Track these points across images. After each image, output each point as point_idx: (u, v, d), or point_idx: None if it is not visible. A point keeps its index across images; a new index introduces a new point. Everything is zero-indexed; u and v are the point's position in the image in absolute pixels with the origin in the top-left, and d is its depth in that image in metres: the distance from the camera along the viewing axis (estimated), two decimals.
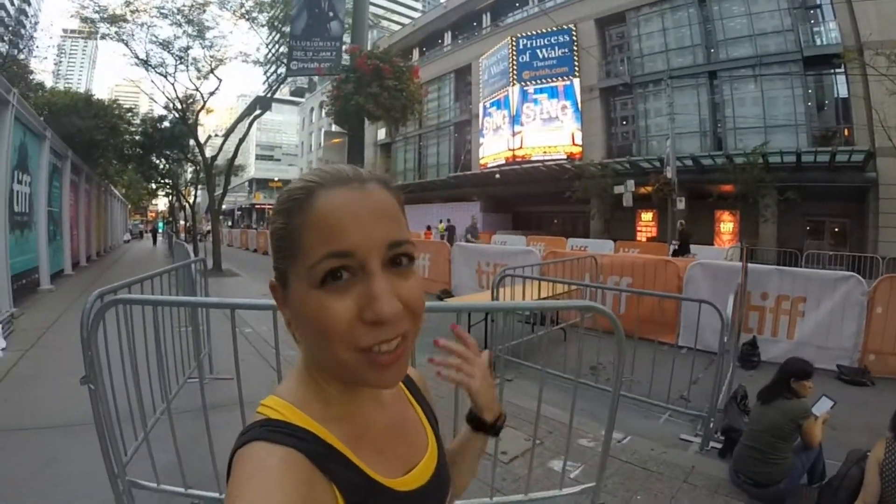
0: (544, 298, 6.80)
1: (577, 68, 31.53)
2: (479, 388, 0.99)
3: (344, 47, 8.64)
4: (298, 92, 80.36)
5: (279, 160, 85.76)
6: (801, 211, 22.67)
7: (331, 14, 8.59)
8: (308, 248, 0.64)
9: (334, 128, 9.89)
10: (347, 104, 7.27)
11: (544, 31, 32.20)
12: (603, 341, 4.96)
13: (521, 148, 33.47)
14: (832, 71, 22.94)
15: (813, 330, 6.71)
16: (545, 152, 32.31)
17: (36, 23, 26.51)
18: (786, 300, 6.96)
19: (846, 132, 22.69)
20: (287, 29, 16.96)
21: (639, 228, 29.29)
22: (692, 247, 17.28)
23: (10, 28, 22.42)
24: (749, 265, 6.01)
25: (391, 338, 0.64)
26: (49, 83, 27.28)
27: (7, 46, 20.73)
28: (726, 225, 26.74)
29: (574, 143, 31.46)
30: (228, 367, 3.03)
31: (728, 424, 4.14)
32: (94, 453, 2.87)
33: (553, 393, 4.67)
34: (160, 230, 45.02)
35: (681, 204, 22.07)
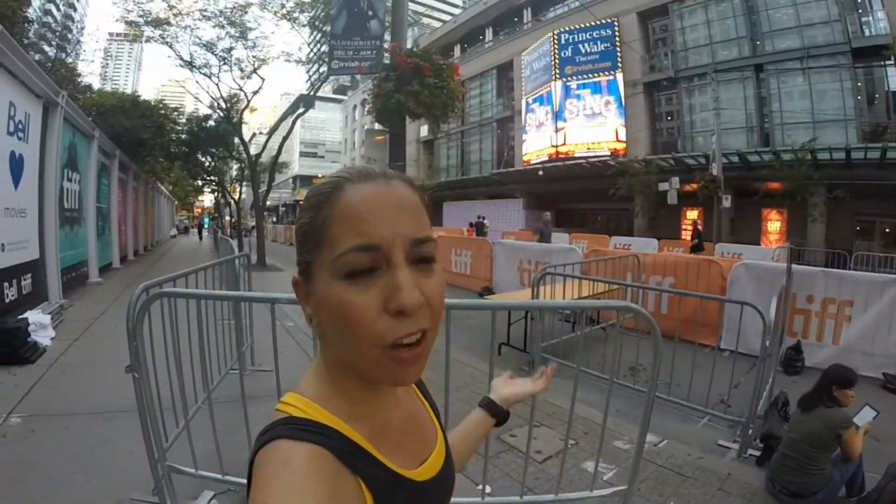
0: (585, 297, 6.71)
1: (620, 63, 31.06)
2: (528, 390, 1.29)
3: (384, 46, 8.69)
4: (341, 90, 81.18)
5: (323, 157, 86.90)
6: (851, 210, 21.94)
7: (370, 13, 8.62)
8: (334, 240, 0.65)
9: (377, 125, 9.96)
10: (388, 102, 7.34)
11: (586, 25, 31.71)
12: (643, 341, 4.87)
13: (564, 144, 33.18)
14: (882, 63, 22.17)
15: (859, 335, 6.42)
16: (589, 148, 31.93)
17: (82, 27, 27.26)
18: (832, 304, 6.68)
19: None
20: (328, 28, 17.19)
21: (684, 227, 28.61)
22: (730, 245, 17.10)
23: (58, 33, 23.09)
24: (794, 266, 5.82)
25: (413, 331, 0.64)
26: (97, 85, 28.11)
27: (55, 50, 21.39)
28: (773, 224, 25.98)
29: (618, 140, 31.04)
30: (269, 359, 3.08)
31: (767, 431, 4.02)
32: (137, 438, 3.00)
33: (591, 393, 4.62)
34: (206, 226, 45.95)
35: (727, 202, 21.61)
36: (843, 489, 3.40)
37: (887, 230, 23.17)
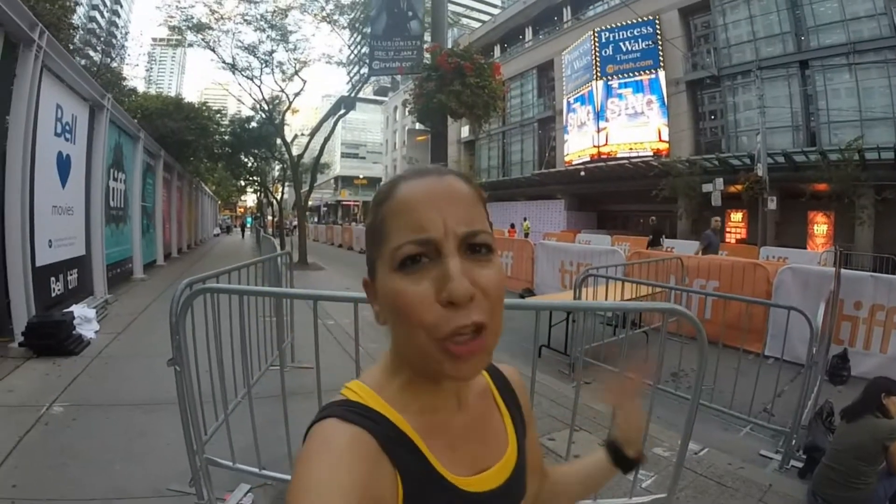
0: (628, 300, 6.59)
1: (661, 61, 30.58)
2: (629, 415, 1.08)
3: (424, 46, 8.69)
4: (382, 91, 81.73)
5: (364, 158, 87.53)
6: None
7: (410, 14, 8.66)
8: (390, 233, 0.67)
9: (418, 126, 9.99)
10: (430, 102, 7.36)
11: (627, 23, 31.28)
12: (686, 347, 4.76)
13: (606, 144, 32.76)
14: None
15: None
16: (631, 149, 31.49)
17: (126, 32, 28.11)
18: (881, 310, 6.38)
19: None
20: (368, 30, 17.35)
21: (728, 229, 27.96)
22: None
23: (102, 38, 23.78)
24: (843, 271, 5.62)
25: (466, 324, 0.63)
26: (141, 88, 28.87)
27: (101, 55, 22.01)
28: (820, 227, 25.13)
29: (661, 140, 30.54)
30: (310, 356, 3.10)
31: (811, 442, 3.89)
32: (176, 430, 3.05)
33: None
34: (248, 225, 46.88)
35: (772, 204, 21.09)
36: None
37: None
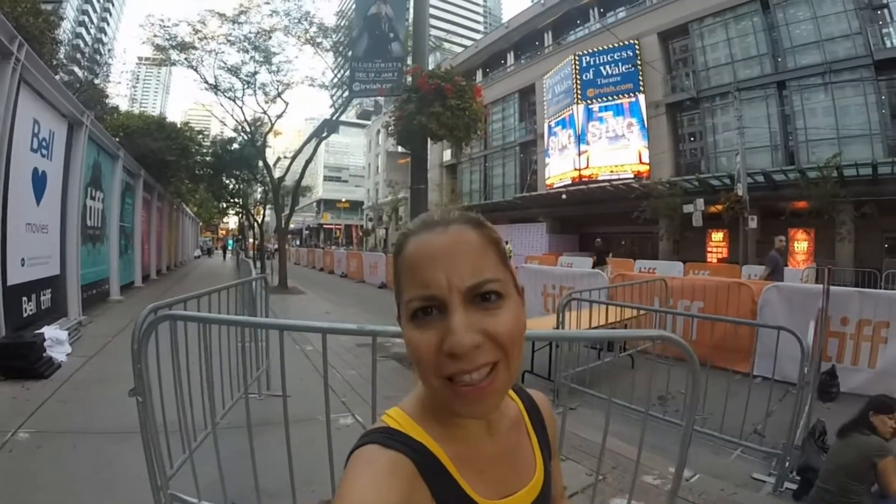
0: (612, 323, 6.57)
1: (641, 84, 30.98)
2: None
3: (406, 68, 8.66)
4: (365, 115, 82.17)
5: (346, 181, 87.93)
6: (879, 227, 21.48)
7: (391, 35, 8.64)
8: (405, 287, 0.72)
9: (399, 149, 9.93)
10: (410, 124, 7.28)
11: (607, 47, 31.72)
12: (673, 369, 4.66)
13: (587, 167, 32.99)
14: None
15: None
16: (612, 171, 31.73)
17: (110, 49, 27.93)
18: (868, 325, 6.40)
19: None
20: (351, 53, 17.41)
21: (709, 249, 28.29)
22: None
23: (87, 55, 23.65)
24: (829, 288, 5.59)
25: (471, 369, 0.67)
26: (125, 107, 28.76)
27: (84, 72, 21.88)
28: (800, 244, 25.54)
29: (641, 162, 30.82)
30: (285, 383, 2.96)
31: (805, 463, 3.80)
32: (144, 461, 2.90)
33: (617, 424, 4.40)
34: (230, 247, 46.68)
35: (753, 223, 21.33)
36: None
37: None
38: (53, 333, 6.93)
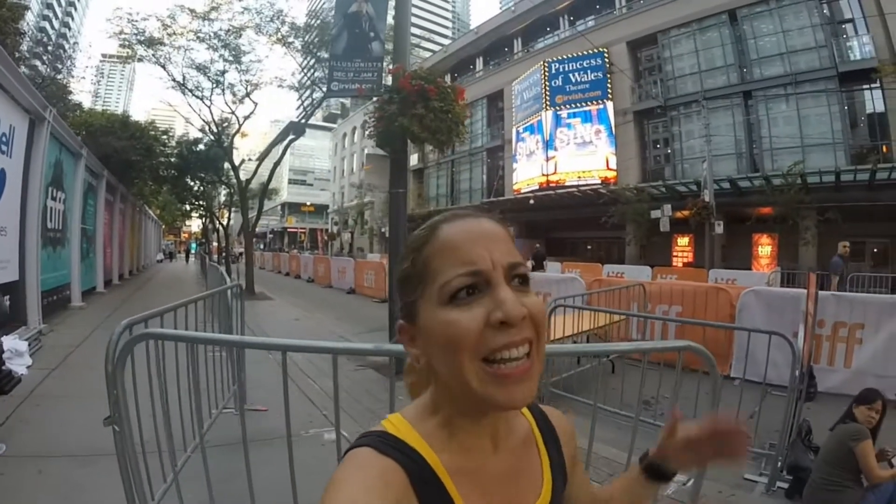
0: (594, 329, 6.61)
1: (610, 92, 31.28)
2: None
3: (388, 67, 8.52)
4: (331, 118, 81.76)
5: (311, 185, 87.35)
6: (841, 232, 21.99)
7: (371, 34, 8.45)
8: (438, 272, 0.70)
9: (375, 151, 9.76)
10: (391, 125, 7.06)
11: (576, 55, 32.10)
12: (655, 373, 4.60)
13: (555, 173, 33.17)
14: (868, 86, 22.50)
15: (871, 358, 6.34)
16: (580, 177, 31.94)
17: (75, 42, 27.09)
18: (843, 327, 6.59)
19: (885, 149, 22.10)
20: (322, 54, 17.19)
21: (675, 253, 28.71)
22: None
23: (50, 49, 22.89)
24: (804, 291, 5.69)
25: (518, 340, 0.66)
26: (88, 104, 27.95)
27: (47, 66, 21.20)
28: (764, 248, 26.12)
29: (609, 168, 31.10)
30: (263, 396, 2.77)
31: (794, 462, 3.91)
32: (118, 485, 2.59)
33: (603, 430, 4.32)
34: (192, 251, 45.95)
35: (719, 228, 21.70)
36: None
37: (875, 250, 23.51)
38: (12, 344, 6.48)
